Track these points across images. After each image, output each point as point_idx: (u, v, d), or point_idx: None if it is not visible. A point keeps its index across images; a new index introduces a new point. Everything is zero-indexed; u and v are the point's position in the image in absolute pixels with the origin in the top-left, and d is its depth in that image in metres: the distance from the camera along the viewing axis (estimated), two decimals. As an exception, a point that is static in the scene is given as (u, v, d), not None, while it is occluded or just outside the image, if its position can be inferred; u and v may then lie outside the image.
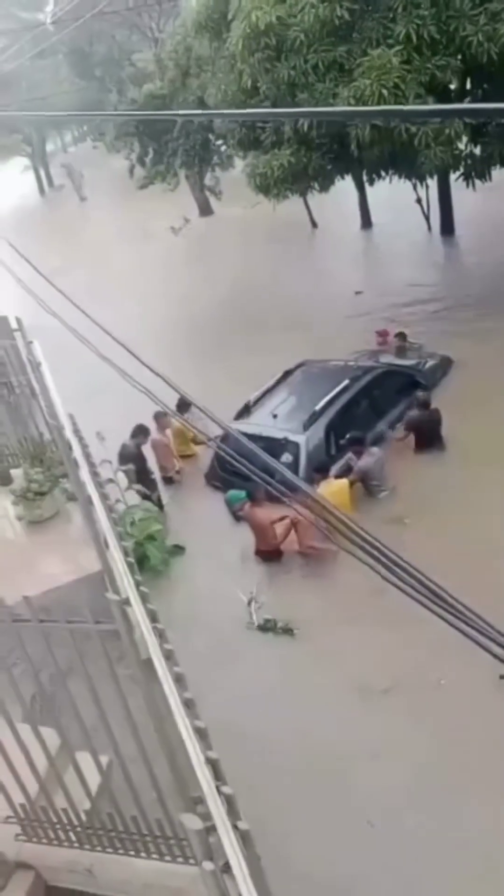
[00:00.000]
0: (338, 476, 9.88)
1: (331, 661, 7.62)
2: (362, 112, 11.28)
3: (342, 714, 7.01)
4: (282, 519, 9.20)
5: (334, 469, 10.07)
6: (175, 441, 11.45)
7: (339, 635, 7.90)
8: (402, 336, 13.32)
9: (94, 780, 4.36)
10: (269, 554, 9.41)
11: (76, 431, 5.77)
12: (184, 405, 9.94)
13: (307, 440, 10.26)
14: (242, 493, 9.70)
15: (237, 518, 10.08)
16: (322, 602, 8.55)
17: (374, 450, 10.26)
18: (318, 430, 10.42)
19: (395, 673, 7.32)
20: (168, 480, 11.30)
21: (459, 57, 11.34)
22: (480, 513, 8.98)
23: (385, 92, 10.94)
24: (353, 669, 7.43)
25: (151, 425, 11.00)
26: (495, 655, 2.41)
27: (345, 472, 10.07)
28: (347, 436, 10.39)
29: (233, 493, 10.00)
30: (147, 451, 10.99)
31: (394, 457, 10.58)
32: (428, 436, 10.66)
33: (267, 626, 8.27)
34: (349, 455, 10.31)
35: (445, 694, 7.00)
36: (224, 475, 10.60)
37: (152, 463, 11.11)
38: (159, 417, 10.78)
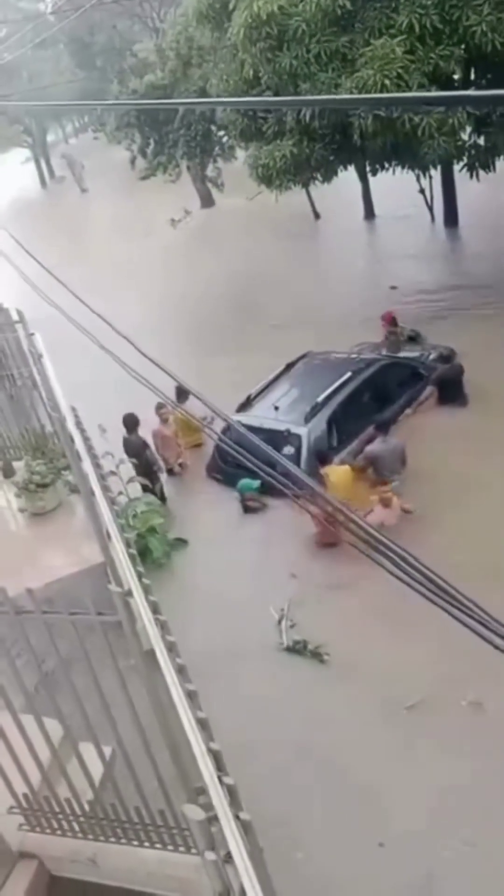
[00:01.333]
0: (343, 462, 9.87)
1: (357, 680, 7.29)
2: (364, 100, 11.21)
3: (369, 734, 6.73)
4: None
5: (344, 452, 10.03)
6: (181, 431, 11.35)
7: (368, 651, 7.50)
8: (393, 322, 13.23)
9: (96, 770, 4.39)
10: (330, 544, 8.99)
11: (78, 423, 5.78)
12: (182, 393, 9.90)
13: (309, 432, 10.25)
14: (255, 483, 9.69)
15: (247, 509, 10.06)
16: (351, 615, 8.05)
17: (391, 439, 10.13)
18: (320, 422, 10.41)
19: (439, 694, 6.93)
20: (170, 472, 11.24)
21: (463, 46, 11.25)
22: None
23: (388, 82, 10.87)
24: (381, 688, 7.08)
25: (149, 418, 10.94)
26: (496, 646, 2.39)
27: (354, 456, 10.06)
28: (372, 419, 10.40)
29: (244, 482, 9.94)
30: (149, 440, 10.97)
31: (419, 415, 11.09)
32: (452, 390, 11.23)
33: (296, 648, 7.81)
34: (361, 438, 10.45)
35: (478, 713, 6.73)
36: (225, 467, 10.60)
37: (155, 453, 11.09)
38: (160, 408, 10.75)
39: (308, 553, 9.20)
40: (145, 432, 10.88)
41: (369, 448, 10.00)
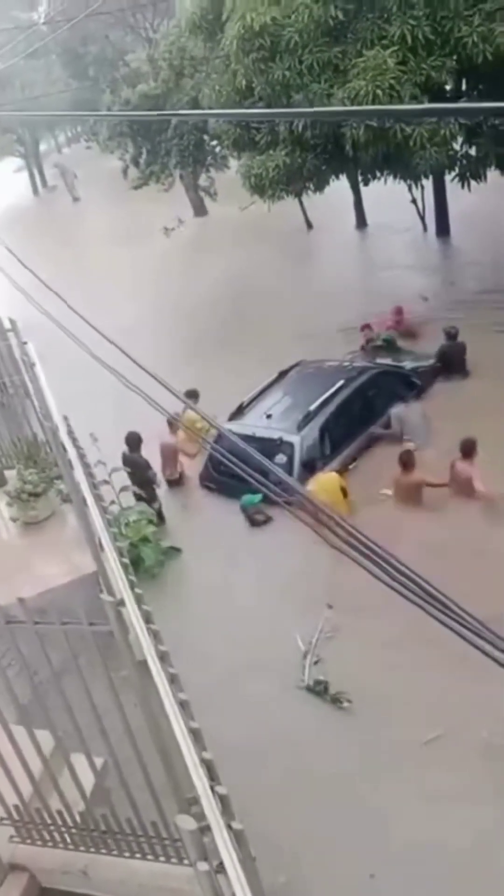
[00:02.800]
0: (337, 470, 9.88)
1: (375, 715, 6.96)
2: (358, 112, 11.27)
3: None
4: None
5: (337, 461, 10.12)
6: (188, 438, 11.23)
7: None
8: (368, 328, 13.61)
9: (88, 781, 4.37)
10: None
11: (70, 433, 5.77)
12: (192, 395, 10.71)
13: (301, 440, 10.26)
14: (256, 497, 9.63)
15: (253, 522, 9.96)
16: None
17: (415, 404, 11.05)
18: (313, 430, 10.42)
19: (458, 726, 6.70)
20: (171, 483, 11.20)
21: (454, 57, 11.34)
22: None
23: (380, 93, 10.94)
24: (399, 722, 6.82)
25: (148, 431, 10.86)
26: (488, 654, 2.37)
27: (346, 464, 10.06)
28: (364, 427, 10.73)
29: (247, 497, 9.83)
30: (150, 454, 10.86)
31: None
32: (454, 363, 11.99)
33: (316, 689, 7.37)
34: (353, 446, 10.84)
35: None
36: (218, 476, 10.59)
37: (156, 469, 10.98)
38: (172, 422, 10.59)
39: (315, 565, 8.66)
40: (153, 445, 10.87)
41: (395, 411, 10.82)
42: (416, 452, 9.80)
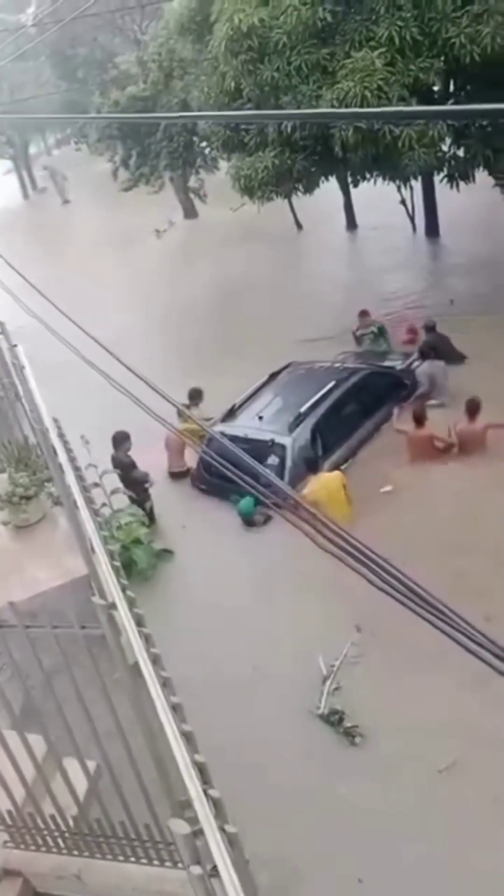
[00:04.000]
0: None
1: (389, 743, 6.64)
2: (346, 114, 11.30)
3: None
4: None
5: (328, 462, 10.10)
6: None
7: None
8: (364, 313, 13.88)
9: (81, 785, 4.35)
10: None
11: (61, 435, 5.74)
12: (196, 394, 11.35)
13: (293, 442, 10.26)
14: (252, 502, 9.62)
15: (252, 524, 9.93)
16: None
17: (437, 361, 11.67)
18: (304, 431, 10.43)
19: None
20: (176, 476, 11.36)
21: (442, 59, 11.39)
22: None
23: (368, 94, 10.96)
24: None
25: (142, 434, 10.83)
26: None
27: (336, 466, 10.07)
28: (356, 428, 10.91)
29: (244, 502, 9.79)
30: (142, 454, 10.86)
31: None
32: (445, 353, 12.13)
33: (330, 720, 6.99)
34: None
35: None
36: (210, 478, 10.58)
37: (153, 468, 10.97)
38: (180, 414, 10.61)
39: (321, 571, 8.54)
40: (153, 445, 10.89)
41: (421, 369, 11.63)
42: (440, 410, 10.89)
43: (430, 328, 12.76)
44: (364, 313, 14.01)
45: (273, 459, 10.07)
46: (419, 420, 10.23)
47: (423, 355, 12.14)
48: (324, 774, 6.51)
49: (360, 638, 7.76)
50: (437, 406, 11.27)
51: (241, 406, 11.37)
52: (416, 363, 12.23)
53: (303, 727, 7.01)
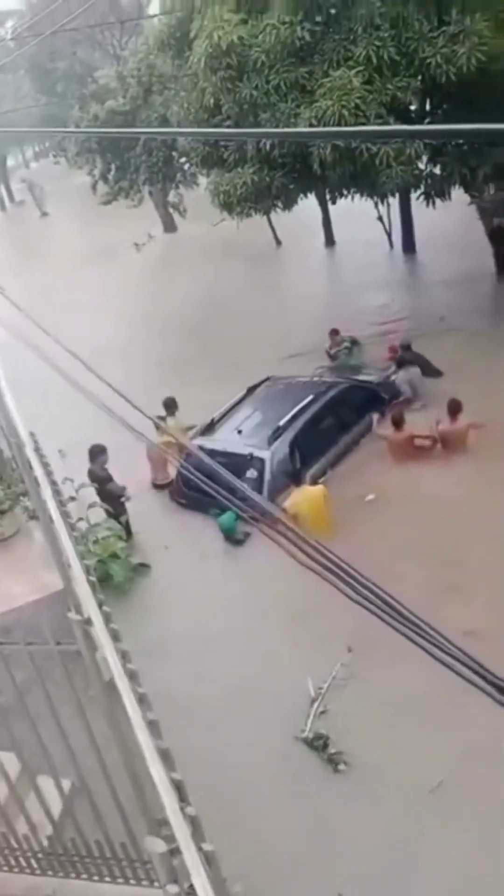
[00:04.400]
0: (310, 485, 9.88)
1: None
2: (326, 133, 11.39)
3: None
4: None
5: (307, 475, 10.09)
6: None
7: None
8: (334, 332, 14.03)
9: (56, 804, 4.29)
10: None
11: (37, 449, 5.70)
12: (170, 404, 11.38)
13: (272, 455, 10.28)
14: (233, 516, 9.52)
15: (235, 542, 9.84)
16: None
17: (412, 368, 12.02)
18: (283, 445, 10.45)
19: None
20: (160, 488, 11.34)
21: (419, 78, 11.56)
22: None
23: (346, 113, 11.09)
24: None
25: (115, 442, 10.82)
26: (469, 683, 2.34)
27: (315, 480, 10.05)
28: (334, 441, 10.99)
29: (225, 517, 9.67)
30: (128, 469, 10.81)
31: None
32: (422, 367, 12.36)
33: (314, 744, 6.75)
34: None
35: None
36: (188, 492, 10.55)
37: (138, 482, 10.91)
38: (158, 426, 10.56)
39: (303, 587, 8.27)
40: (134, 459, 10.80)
41: (399, 378, 11.99)
42: (421, 413, 11.33)
43: (407, 347, 12.92)
44: (334, 332, 14.10)
45: (252, 473, 10.07)
46: (398, 423, 10.70)
47: (400, 364, 12.42)
48: (304, 803, 6.31)
49: (350, 658, 7.52)
50: (418, 410, 11.68)
51: (219, 420, 11.38)
52: (392, 375, 12.34)
53: (285, 751, 6.77)
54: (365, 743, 6.62)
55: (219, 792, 5.59)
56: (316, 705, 7.09)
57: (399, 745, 6.51)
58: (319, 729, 6.85)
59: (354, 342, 14.01)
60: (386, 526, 9.29)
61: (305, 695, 7.24)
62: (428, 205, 13.72)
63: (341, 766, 6.51)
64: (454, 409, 10.47)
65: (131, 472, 10.80)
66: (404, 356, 12.64)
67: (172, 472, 11.22)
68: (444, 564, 8.39)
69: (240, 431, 10.85)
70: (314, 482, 10.03)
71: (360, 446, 11.18)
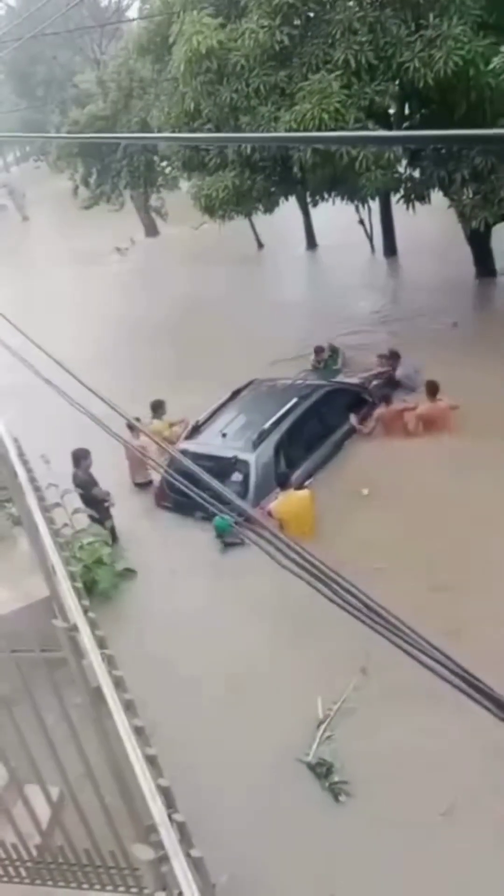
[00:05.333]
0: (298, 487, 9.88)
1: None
2: (306, 138, 11.46)
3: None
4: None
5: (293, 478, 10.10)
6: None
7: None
8: (319, 350, 14.02)
9: (44, 813, 4.26)
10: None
11: (21, 455, 5.68)
12: (158, 406, 11.47)
13: (257, 458, 10.27)
14: (227, 521, 9.40)
15: (230, 545, 9.69)
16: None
17: (407, 359, 12.42)
18: (268, 448, 10.44)
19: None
20: (140, 486, 11.32)
21: (397, 82, 11.64)
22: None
23: (326, 116, 11.13)
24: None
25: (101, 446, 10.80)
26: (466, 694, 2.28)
27: (300, 484, 10.04)
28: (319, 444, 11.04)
29: (219, 520, 9.40)
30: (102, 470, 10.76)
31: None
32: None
33: (317, 771, 6.29)
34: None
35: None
36: (173, 495, 10.53)
37: (111, 482, 10.83)
38: (132, 427, 10.47)
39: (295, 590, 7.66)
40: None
41: (400, 370, 12.29)
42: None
43: (394, 353, 12.96)
44: (319, 349, 14.08)
45: (237, 476, 10.06)
46: (387, 401, 11.43)
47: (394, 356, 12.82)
48: (302, 832, 5.90)
49: (361, 681, 6.95)
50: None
51: (204, 423, 11.36)
52: (375, 378, 12.45)
53: (282, 772, 6.37)
54: (370, 774, 6.16)
55: (206, 810, 5.30)
56: (323, 728, 6.61)
57: (407, 780, 6.02)
58: (323, 754, 6.39)
59: (334, 349, 14.07)
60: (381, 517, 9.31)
61: (309, 714, 6.81)
62: (408, 208, 13.81)
63: (342, 798, 6.08)
64: (432, 389, 11.06)
65: (111, 472, 10.77)
66: (391, 358, 12.79)
67: (152, 471, 11.22)
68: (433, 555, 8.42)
69: (224, 434, 10.84)
70: (301, 485, 10.04)
71: (355, 443, 11.26)
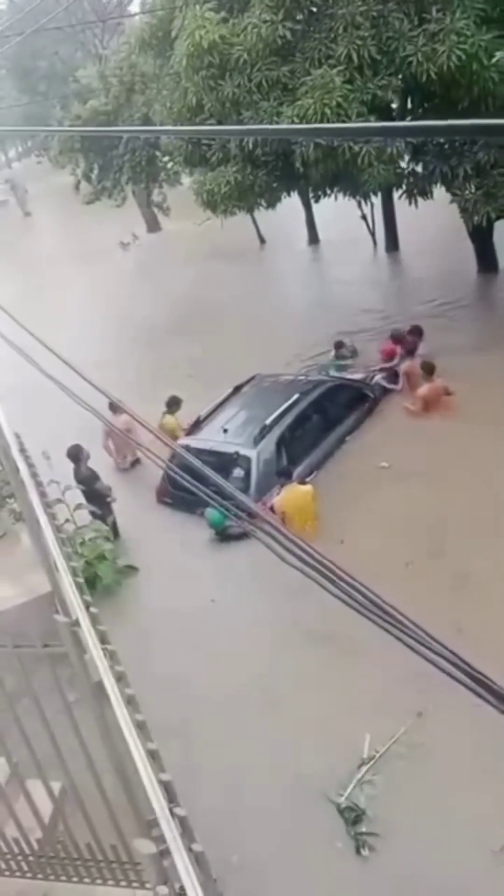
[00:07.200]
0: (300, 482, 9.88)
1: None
2: (308, 130, 11.40)
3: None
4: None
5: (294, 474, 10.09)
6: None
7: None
8: (339, 344, 14.02)
9: (45, 807, 4.28)
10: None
11: (22, 450, 5.68)
12: (174, 402, 11.74)
13: (258, 454, 10.27)
14: (219, 516, 9.41)
15: (226, 538, 9.76)
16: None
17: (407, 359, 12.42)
18: (270, 443, 10.44)
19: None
20: (125, 471, 11.55)
21: (400, 77, 11.58)
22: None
23: (328, 111, 11.10)
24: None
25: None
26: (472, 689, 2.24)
27: (302, 479, 10.04)
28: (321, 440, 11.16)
29: (215, 515, 9.52)
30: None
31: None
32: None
33: (345, 815, 5.83)
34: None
35: None
36: (175, 491, 10.53)
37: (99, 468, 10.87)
38: (116, 408, 10.38)
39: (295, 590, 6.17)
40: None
41: (421, 349, 12.46)
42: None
43: (418, 331, 13.13)
44: (339, 344, 14.00)
45: (238, 472, 10.06)
46: (430, 372, 11.76)
47: (410, 352, 12.84)
48: (313, 879, 5.49)
49: (413, 723, 6.31)
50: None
51: (206, 418, 11.37)
52: (378, 373, 12.42)
53: (300, 808, 5.94)
54: (403, 831, 5.62)
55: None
56: (364, 769, 6.05)
57: (444, 846, 5.44)
58: (357, 798, 5.89)
59: (340, 344, 14.02)
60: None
61: (343, 748, 6.24)
62: (410, 203, 13.76)
63: (365, 852, 5.57)
64: (429, 369, 11.64)
65: (96, 461, 10.90)
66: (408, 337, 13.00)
67: (133, 454, 11.46)
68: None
69: (226, 430, 10.84)
70: (303, 480, 10.05)
71: (375, 418, 11.69)
